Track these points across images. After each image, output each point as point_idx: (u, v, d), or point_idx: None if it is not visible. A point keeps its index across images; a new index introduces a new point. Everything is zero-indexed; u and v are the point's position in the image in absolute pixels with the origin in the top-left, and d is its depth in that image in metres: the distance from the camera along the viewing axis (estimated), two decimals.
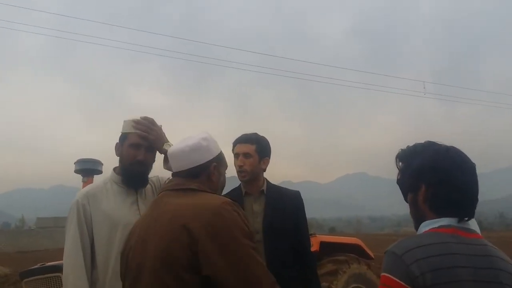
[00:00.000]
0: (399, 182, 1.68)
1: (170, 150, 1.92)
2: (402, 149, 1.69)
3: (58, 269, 3.32)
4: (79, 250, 2.37)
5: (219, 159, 1.96)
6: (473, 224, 1.98)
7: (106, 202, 2.48)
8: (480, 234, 1.57)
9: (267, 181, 3.03)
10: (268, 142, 3.02)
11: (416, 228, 1.60)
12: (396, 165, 1.70)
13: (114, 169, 2.62)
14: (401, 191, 1.74)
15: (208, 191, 1.83)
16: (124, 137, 2.55)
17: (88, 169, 4.40)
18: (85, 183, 4.34)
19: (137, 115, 2.59)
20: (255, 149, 2.92)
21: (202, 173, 1.88)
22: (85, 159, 4.42)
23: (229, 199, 1.74)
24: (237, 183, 3.00)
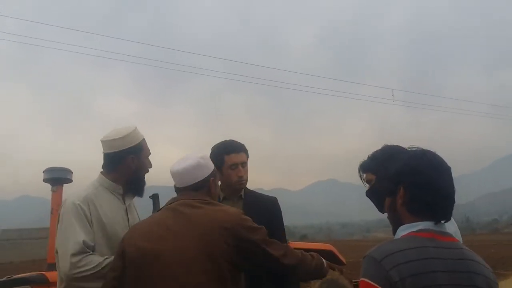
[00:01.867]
0: (373, 190, 1.70)
1: (172, 168, 2.26)
2: (364, 161, 1.72)
3: (27, 281, 3.25)
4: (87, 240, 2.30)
5: (215, 174, 2.35)
6: (452, 226, 2.04)
7: (102, 210, 2.43)
8: (454, 237, 1.58)
9: (245, 187, 3.04)
10: None
11: (394, 232, 1.59)
12: (360, 176, 1.72)
13: (104, 174, 2.56)
14: (374, 200, 1.77)
15: (211, 199, 2.25)
16: (140, 148, 2.57)
17: (57, 178, 4.27)
18: (55, 193, 4.25)
19: (132, 126, 2.59)
20: (246, 157, 2.99)
21: (204, 187, 2.26)
22: (54, 167, 4.30)
23: (241, 211, 2.22)
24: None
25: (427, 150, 1.62)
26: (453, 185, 1.56)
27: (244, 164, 2.96)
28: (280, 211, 3.07)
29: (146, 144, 2.62)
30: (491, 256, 18.64)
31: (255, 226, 2.15)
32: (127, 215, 2.54)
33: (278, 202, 3.12)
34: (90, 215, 2.37)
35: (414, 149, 1.65)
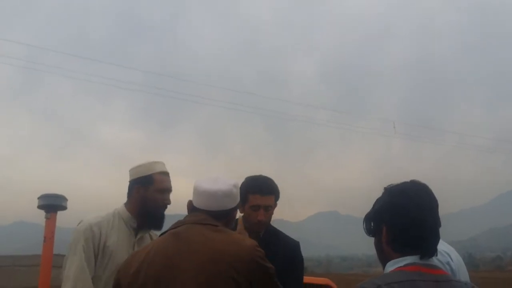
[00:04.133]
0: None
1: (200, 186, 2.06)
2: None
3: None
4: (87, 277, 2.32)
5: (238, 207, 2.18)
6: (458, 262, 2.05)
7: (111, 240, 2.44)
8: (443, 270, 1.60)
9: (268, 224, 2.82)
10: (277, 185, 2.82)
11: (384, 269, 1.61)
12: (366, 226, 1.70)
13: (125, 204, 2.60)
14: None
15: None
16: (149, 180, 2.56)
17: (52, 204, 4.20)
18: (49, 220, 4.17)
19: (157, 161, 2.63)
20: (274, 199, 2.73)
21: (225, 218, 2.07)
22: (49, 194, 4.23)
23: (256, 242, 1.98)
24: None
25: (410, 186, 1.65)
26: (436, 219, 1.59)
27: (268, 207, 2.69)
28: (302, 259, 2.83)
29: (164, 179, 2.59)
30: None
31: (269, 265, 1.95)
32: (134, 249, 2.48)
33: (300, 248, 2.86)
34: (100, 240, 2.41)
35: (394, 184, 1.68)
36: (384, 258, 1.61)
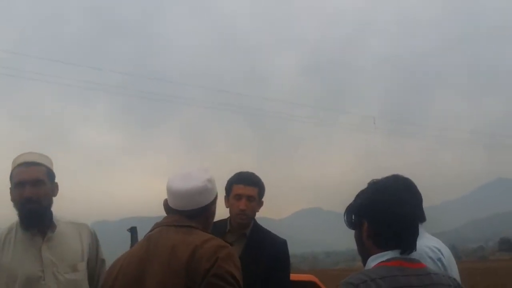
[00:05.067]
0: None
1: (173, 186, 1.92)
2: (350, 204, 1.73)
3: None
4: None
5: (216, 201, 2.03)
6: (448, 254, 2.15)
7: (2, 254, 2.22)
8: (423, 263, 1.63)
9: (255, 223, 2.86)
10: (263, 183, 2.89)
11: (364, 263, 1.65)
12: (347, 219, 1.73)
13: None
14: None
15: (202, 229, 1.91)
16: (11, 177, 2.31)
17: None
18: None
19: (24, 153, 2.34)
20: (257, 192, 2.79)
21: (202, 214, 1.94)
22: None
23: (226, 243, 1.87)
24: None
25: (392, 181, 1.73)
26: (419, 216, 1.68)
27: (251, 198, 2.73)
28: (288, 258, 2.86)
29: (20, 171, 2.27)
30: (477, 284, 18.61)
31: (234, 274, 1.78)
32: (40, 253, 2.24)
33: (287, 246, 2.89)
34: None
35: (377, 180, 1.73)
36: (364, 252, 1.64)
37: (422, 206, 2.23)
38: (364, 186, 1.75)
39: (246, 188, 2.75)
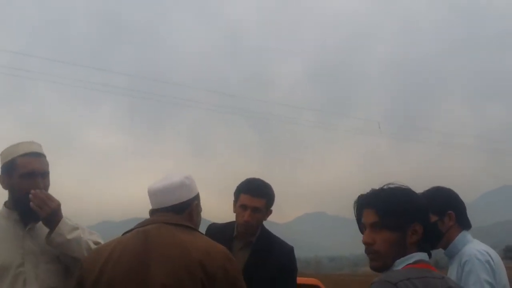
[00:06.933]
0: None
1: (152, 187, 1.96)
2: (363, 195, 1.70)
3: None
4: None
5: (199, 199, 2.04)
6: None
7: None
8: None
9: (262, 229, 2.80)
10: (274, 192, 2.82)
11: (387, 265, 1.62)
12: (355, 211, 1.73)
13: (5, 203, 2.29)
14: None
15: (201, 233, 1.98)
16: (12, 165, 2.20)
17: None
18: None
19: (24, 141, 2.26)
20: (265, 203, 2.71)
21: (185, 210, 1.94)
22: None
23: (226, 249, 1.91)
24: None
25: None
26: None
27: (256, 209, 2.65)
28: (295, 266, 2.83)
29: (29, 161, 2.19)
30: None
31: (238, 275, 1.88)
32: (22, 242, 2.19)
33: (294, 252, 2.84)
34: None
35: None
36: (396, 253, 1.61)
37: (466, 214, 2.39)
38: (367, 190, 1.73)
39: (253, 199, 2.67)
